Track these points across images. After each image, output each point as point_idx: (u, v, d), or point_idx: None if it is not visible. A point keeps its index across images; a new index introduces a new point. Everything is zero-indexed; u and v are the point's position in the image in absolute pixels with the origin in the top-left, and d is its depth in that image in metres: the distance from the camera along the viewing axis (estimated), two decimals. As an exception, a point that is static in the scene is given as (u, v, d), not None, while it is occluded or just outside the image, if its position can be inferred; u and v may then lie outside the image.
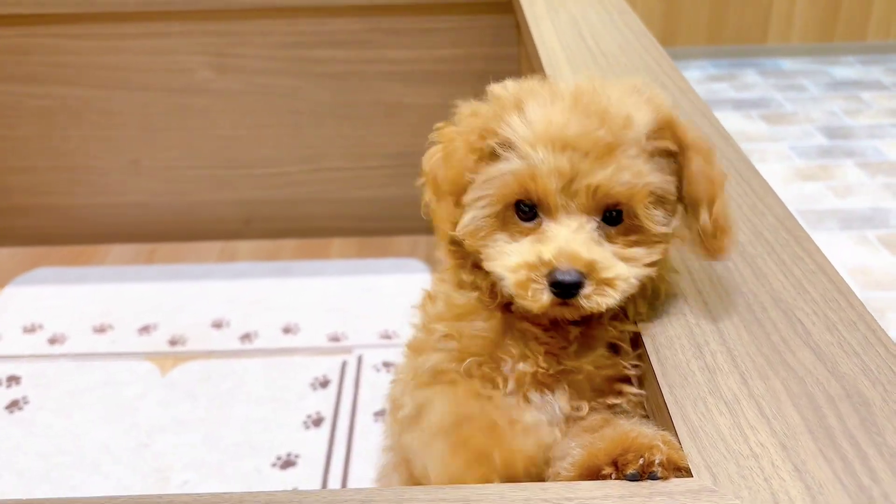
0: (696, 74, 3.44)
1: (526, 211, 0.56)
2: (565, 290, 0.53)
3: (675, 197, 0.57)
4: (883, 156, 2.54)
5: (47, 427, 1.28)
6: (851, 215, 2.17)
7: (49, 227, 1.76)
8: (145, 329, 1.50)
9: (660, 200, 0.56)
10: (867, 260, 1.95)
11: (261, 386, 1.35)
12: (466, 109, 0.61)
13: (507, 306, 0.61)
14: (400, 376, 0.72)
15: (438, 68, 1.60)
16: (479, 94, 0.61)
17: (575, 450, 0.52)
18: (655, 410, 0.54)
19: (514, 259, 0.56)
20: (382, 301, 1.57)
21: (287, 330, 1.50)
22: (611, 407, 0.59)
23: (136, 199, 1.73)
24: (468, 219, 0.58)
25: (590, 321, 0.59)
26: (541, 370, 0.59)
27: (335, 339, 1.47)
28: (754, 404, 0.50)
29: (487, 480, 0.50)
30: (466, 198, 0.58)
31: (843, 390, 0.50)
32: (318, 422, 1.28)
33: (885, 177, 2.39)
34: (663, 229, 0.56)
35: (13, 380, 1.39)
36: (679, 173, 0.57)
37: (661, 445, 0.48)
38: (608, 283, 0.54)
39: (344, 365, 1.40)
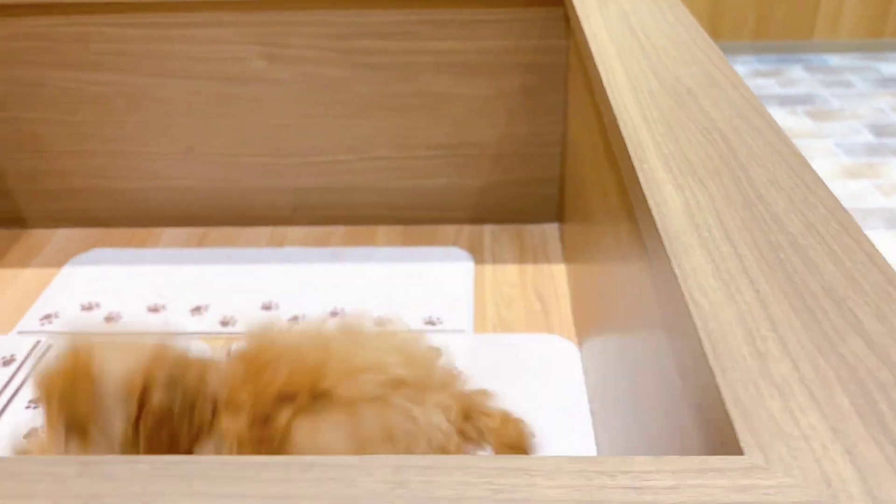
0: (742, 70, 3.41)
1: None
2: None
3: None
4: (932, 154, 2.51)
5: (105, 401, 1.33)
6: (898, 214, 2.15)
7: (104, 209, 1.82)
8: (197, 310, 1.55)
9: None
10: (914, 259, 1.93)
11: (308, 367, 1.39)
12: None
13: None
14: None
15: (485, 60, 1.62)
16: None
17: None
18: (706, 392, 0.56)
19: None
20: (427, 287, 1.60)
21: (334, 313, 1.53)
22: None
23: (188, 185, 1.78)
24: None
25: None
26: None
27: (380, 323, 1.51)
28: (805, 389, 0.51)
29: None
30: None
31: (894, 378, 0.51)
32: (363, 404, 1.31)
33: (933, 176, 2.37)
34: None
35: (72, 355, 1.44)
36: None
37: None
38: None
39: (388, 349, 1.43)
